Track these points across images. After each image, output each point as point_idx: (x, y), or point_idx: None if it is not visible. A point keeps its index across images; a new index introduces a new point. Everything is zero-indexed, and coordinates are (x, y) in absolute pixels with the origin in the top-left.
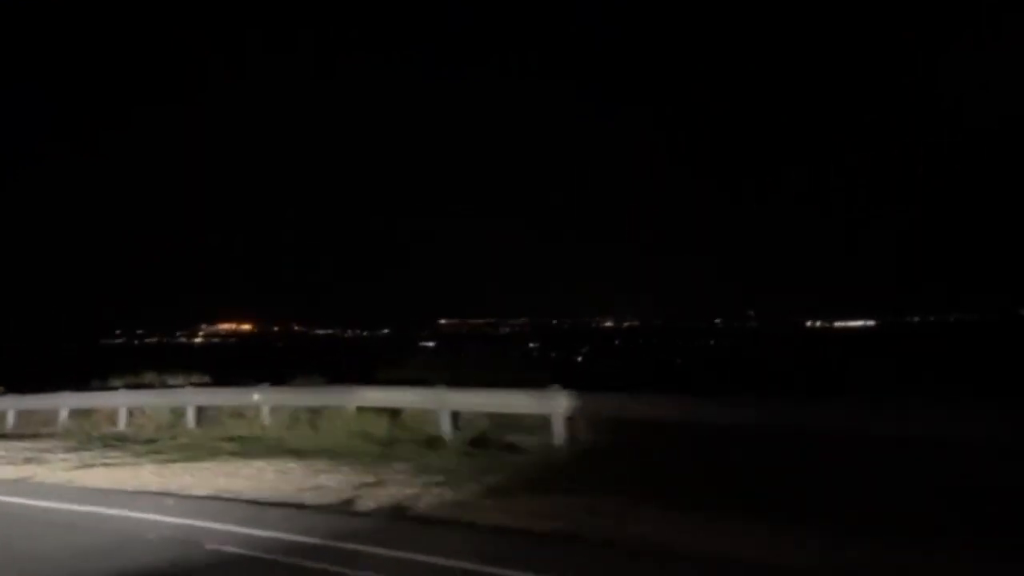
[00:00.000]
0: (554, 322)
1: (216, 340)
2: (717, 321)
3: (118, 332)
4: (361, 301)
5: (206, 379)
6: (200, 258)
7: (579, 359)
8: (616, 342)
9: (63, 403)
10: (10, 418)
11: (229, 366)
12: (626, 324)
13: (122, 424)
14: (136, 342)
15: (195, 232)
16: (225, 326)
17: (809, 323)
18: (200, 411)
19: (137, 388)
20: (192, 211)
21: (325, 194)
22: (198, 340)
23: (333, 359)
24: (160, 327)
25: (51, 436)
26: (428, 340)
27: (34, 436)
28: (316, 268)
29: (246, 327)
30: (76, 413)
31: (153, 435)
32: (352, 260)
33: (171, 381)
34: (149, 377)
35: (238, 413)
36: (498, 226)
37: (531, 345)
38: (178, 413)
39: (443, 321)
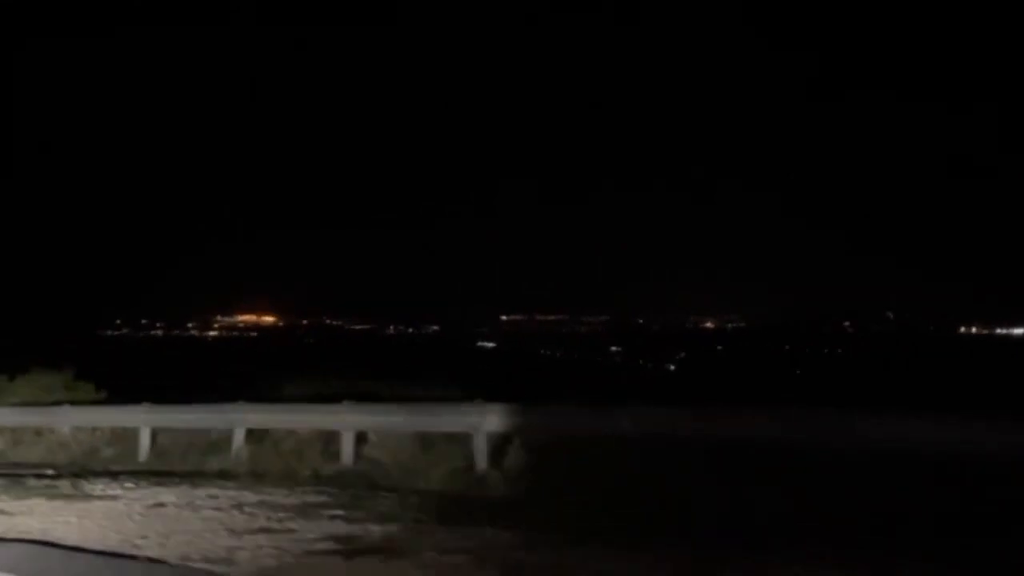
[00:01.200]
0: (640, 321)
1: (235, 333)
2: (847, 324)
3: (119, 322)
4: (399, 294)
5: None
6: (203, 245)
7: (672, 368)
8: (719, 347)
9: (238, 420)
10: (144, 440)
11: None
12: (731, 325)
13: (347, 456)
14: (141, 334)
15: (196, 224)
16: (244, 317)
17: (963, 328)
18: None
19: (363, 400)
20: (193, 208)
21: (328, 190)
22: (212, 333)
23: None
24: (162, 317)
25: (258, 477)
26: (488, 340)
27: (224, 476)
28: (337, 258)
29: (268, 319)
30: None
31: (443, 481)
32: (371, 253)
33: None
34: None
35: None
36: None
37: (613, 349)
38: (427, 441)
39: (505, 318)
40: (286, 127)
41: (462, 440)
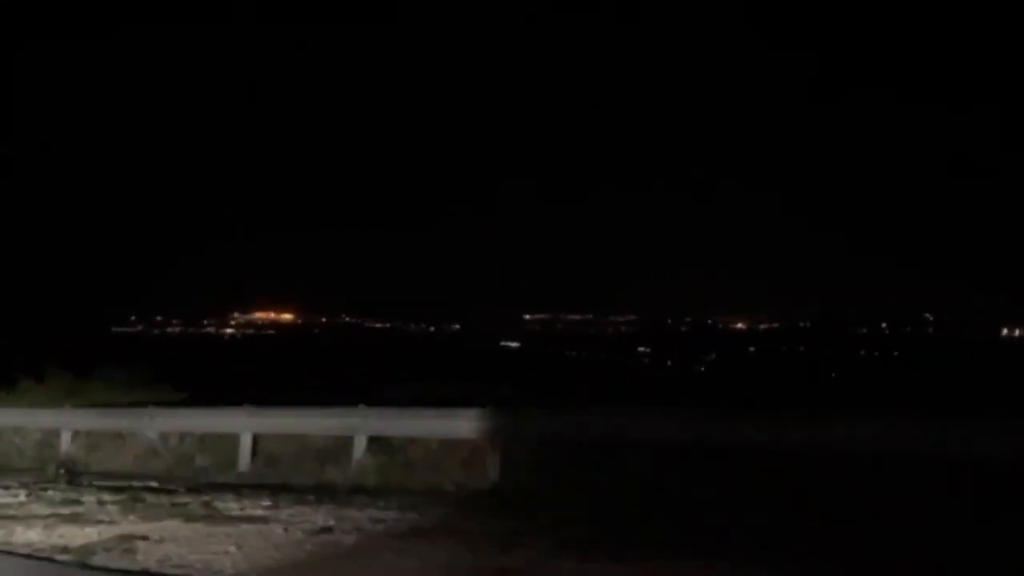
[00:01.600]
0: (669, 321)
1: (251, 331)
2: (883, 326)
3: (134, 318)
4: (400, 294)
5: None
6: (210, 240)
7: (702, 369)
8: (751, 348)
9: (360, 426)
10: (245, 447)
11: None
12: (763, 326)
13: (493, 469)
14: (156, 331)
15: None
16: (261, 315)
17: (1006, 331)
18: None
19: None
20: (193, 208)
21: (328, 190)
22: (229, 330)
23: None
24: (174, 315)
25: (403, 493)
26: (511, 340)
27: (361, 491)
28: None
29: (287, 316)
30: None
31: (629, 499)
32: (385, 248)
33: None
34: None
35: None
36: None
37: (640, 349)
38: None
39: (528, 317)
40: (286, 127)
41: (615, 449)
